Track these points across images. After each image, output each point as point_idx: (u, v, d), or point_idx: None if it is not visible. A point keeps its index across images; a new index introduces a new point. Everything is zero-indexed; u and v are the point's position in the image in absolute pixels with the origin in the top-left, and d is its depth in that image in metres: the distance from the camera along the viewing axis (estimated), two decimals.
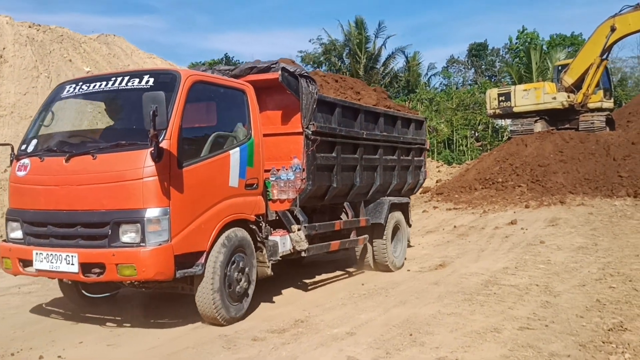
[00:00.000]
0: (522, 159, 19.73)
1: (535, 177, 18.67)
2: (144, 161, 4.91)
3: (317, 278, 8.29)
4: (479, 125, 33.12)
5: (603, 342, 5.09)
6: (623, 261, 9.07)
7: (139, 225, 4.90)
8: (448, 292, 7.12)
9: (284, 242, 6.41)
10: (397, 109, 9.69)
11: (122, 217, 4.97)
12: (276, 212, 6.50)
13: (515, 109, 22.28)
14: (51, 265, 5.15)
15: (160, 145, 4.93)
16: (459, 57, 58.38)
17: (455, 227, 14.08)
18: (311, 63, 42.65)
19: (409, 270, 8.74)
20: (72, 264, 5.03)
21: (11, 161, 5.73)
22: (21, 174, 5.51)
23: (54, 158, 5.38)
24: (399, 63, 43.23)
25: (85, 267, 5.05)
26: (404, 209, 9.33)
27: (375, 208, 8.39)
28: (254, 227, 6.06)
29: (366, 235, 8.18)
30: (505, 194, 18.08)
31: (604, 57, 21.39)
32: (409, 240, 9.68)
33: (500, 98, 22.60)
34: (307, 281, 8.03)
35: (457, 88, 46.88)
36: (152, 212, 4.90)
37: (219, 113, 6.23)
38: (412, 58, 42.50)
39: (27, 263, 5.44)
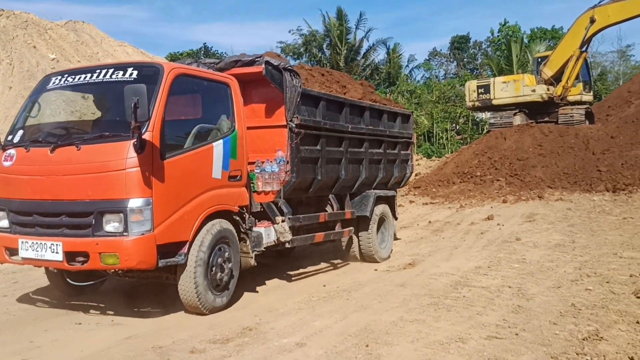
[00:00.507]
0: (501, 152, 19.34)
1: (513, 171, 18.29)
2: (126, 152, 4.98)
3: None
4: (459, 118, 32.77)
5: (577, 354, 4.61)
6: (600, 260, 8.64)
7: (121, 215, 4.99)
8: (414, 295, 6.61)
9: (269, 233, 6.49)
10: (383, 103, 9.73)
11: (105, 207, 5.06)
12: (261, 204, 6.54)
13: (494, 102, 21.87)
14: (36, 253, 5.26)
15: (143, 136, 4.99)
16: (441, 50, 58.11)
17: (430, 222, 13.61)
18: (291, 54, 41.99)
19: (376, 270, 8.22)
20: (57, 253, 5.15)
21: None
22: (7, 164, 5.58)
23: (39, 149, 5.45)
24: (380, 55, 42.85)
25: (69, 256, 5.16)
26: (390, 202, 9.37)
27: (361, 201, 8.47)
28: (237, 218, 6.11)
29: (351, 228, 8.25)
30: (483, 188, 17.66)
31: (584, 49, 21.05)
32: (395, 233, 9.74)
33: (480, 90, 22.16)
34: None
35: (439, 81, 46.48)
36: (134, 203, 4.99)
37: (203, 106, 6.28)
38: (393, 50, 42.00)
39: (13, 252, 5.54)
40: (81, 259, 5.16)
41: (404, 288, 6.99)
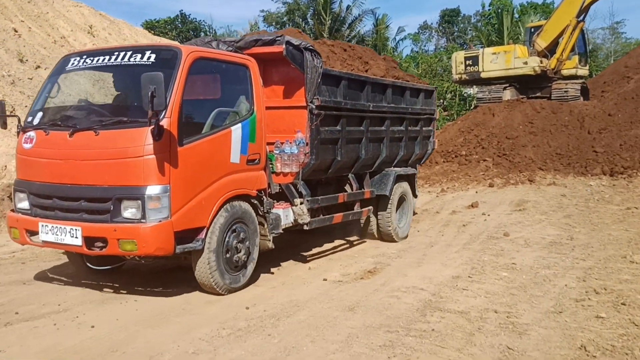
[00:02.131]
0: (488, 130, 17.46)
1: (502, 151, 16.46)
2: (144, 139, 4.90)
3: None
4: (446, 93, 30.76)
5: None
6: (608, 266, 6.84)
7: (139, 202, 4.93)
8: (365, 327, 4.75)
9: (287, 214, 6.38)
10: (405, 79, 9.82)
11: (123, 193, 5.00)
12: (279, 185, 6.40)
13: (482, 75, 19.89)
14: (56, 237, 5.24)
15: (161, 123, 4.89)
16: (431, 23, 55.85)
17: None
18: (273, 24, 39.65)
19: (325, 280, 6.34)
20: (76, 237, 5.12)
21: (18, 132, 5.73)
22: (27, 146, 5.52)
23: (58, 132, 5.36)
24: (366, 26, 40.57)
25: (88, 241, 5.12)
26: (411, 180, 9.08)
27: (381, 179, 8.23)
28: (255, 201, 5.96)
29: (370, 207, 8.05)
30: (468, 169, 15.81)
31: (581, 18, 19.08)
32: (414, 211, 9.39)
33: (467, 62, 20.16)
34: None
35: (427, 55, 44.31)
36: (152, 190, 4.93)
37: (221, 88, 6.06)
38: (380, 21, 39.75)
39: (33, 233, 5.50)
40: (100, 244, 5.11)
41: (353, 314, 5.11)
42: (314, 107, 6.37)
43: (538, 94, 19.81)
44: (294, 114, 6.55)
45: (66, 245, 5.28)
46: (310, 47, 6.44)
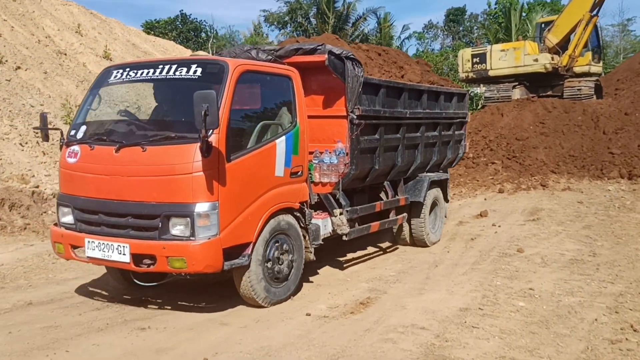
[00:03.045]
0: (497, 130, 16.35)
1: (511, 153, 15.36)
2: (193, 156, 4.81)
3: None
4: None
5: None
6: None
7: (188, 219, 4.84)
8: None
9: (325, 224, 6.27)
10: (440, 84, 9.88)
11: (172, 210, 4.91)
12: (318, 195, 6.28)
13: (491, 72, 18.77)
14: (103, 253, 5.13)
15: (209, 140, 4.78)
16: (437, 22, 54.73)
17: None
18: (275, 23, 38.70)
19: (308, 315, 5.31)
20: (124, 254, 5.01)
21: (61, 146, 5.67)
22: (71, 160, 5.43)
23: (104, 147, 5.26)
24: (370, 25, 39.45)
25: (136, 258, 5.00)
26: (443, 185, 8.91)
27: (415, 186, 8.11)
28: (298, 214, 5.86)
29: (405, 214, 7.89)
30: (476, 172, 14.73)
31: (594, 12, 17.98)
32: (446, 215, 9.24)
33: (475, 59, 19.05)
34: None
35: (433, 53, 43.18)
36: (201, 207, 4.84)
37: (265, 100, 5.93)
38: (384, 19, 38.70)
39: (78, 249, 5.40)
40: (148, 261, 5.01)
41: None
42: (354, 117, 6.23)
43: (549, 93, 18.71)
44: (333, 124, 6.39)
45: (113, 261, 5.16)
46: (352, 56, 6.28)
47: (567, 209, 10.58)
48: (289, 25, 37.94)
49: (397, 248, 8.24)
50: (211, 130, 4.77)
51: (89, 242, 5.22)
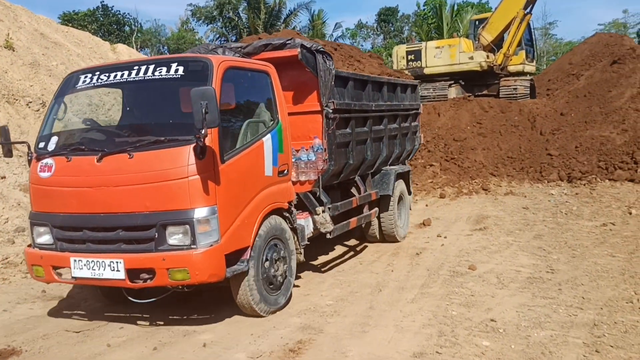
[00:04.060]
0: (434, 131, 15.63)
1: (449, 154, 14.68)
2: (187, 158, 4.54)
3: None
4: None
5: None
6: (617, 321, 5.04)
7: (187, 226, 4.54)
8: None
9: (307, 224, 6.07)
10: (396, 76, 9.68)
11: (168, 218, 4.58)
12: (297, 194, 5.97)
13: (426, 70, 18.11)
14: (93, 272, 4.73)
15: (201, 138, 4.50)
16: (367, 22, 54.40)
17: None
18: (203, 18, 36.95)
19: None
20: (118, 271, 4.64)
21: (29, 160, 5.19)
22: (45, 175, 4.98)
23: (82, 157, 4.86)
24: (302, 21, 38.39)
25: (132, 273, 4.65)
26: (406, 177, 8.90)
27: (382, 179, 8.04)
28: (287, 214, 5.64)
29: (376, 209, 7.82)
30: (414, 175, 13.80)
31: (528, 10, 17.66)
32: (410, 207, 9.14)
33: (409, 57, 18.34)
34: None
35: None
36: (200, 212, 4.56)
37: (246, 98, 5.67)
38: (317, 16, 37.75)
39: (61, 270, 5.03)
40: (145, 276, 4.64)
41: None
42: (330, 111, 6.06)
43: (485, 92, 18.28)
44: (307, 120, 6.19)
45: (105, 280, 4.74)
46: (322, 49, 6.12)
47: (513, 216, 9.83)
48: (217, 20, 36.21)
49: (332, 268, 7.27)
50: (205, 130, 4.42)
51: (75, 261, 4.80)
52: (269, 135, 5.44)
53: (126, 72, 5.07)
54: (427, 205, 11.19)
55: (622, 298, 5.70)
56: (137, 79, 4.99)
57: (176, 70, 4.86)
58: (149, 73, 4.94)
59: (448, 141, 15.20)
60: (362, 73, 8.50)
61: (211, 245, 4.59)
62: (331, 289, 6.21)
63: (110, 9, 36.82)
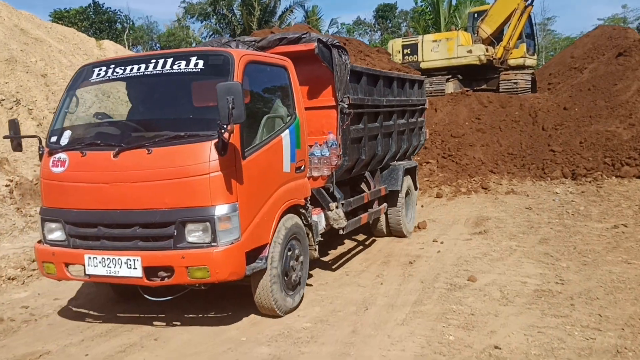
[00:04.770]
0: (430, 127, 14.71)
1: (447, 151, 13.86)
2: (208, 154, 4.38)
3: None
4: None
5: None
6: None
7: (208, 224, 4.39)
8: None
9: (320, 220, 5.89)
10: (404, 71, 9.47)
11: (188, 215, 4.42)
12: (311, 190, 5.75)
13: (422, 65, 17.23)
14: (108, 270, 4.55)
15: (225, 136, 4.32)
16: (365, 19, 53.61)
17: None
18: (197, 15, 36.11)
19: None
20: (135, 268, 4.47)
21: (40, 155, 5.01)
22: (58, 170, 4.79)
23: (98, 152, 4.67)
24: (297, 18, 37.51)
25: (149, 271, 4.49)
26: (413, 173, 8.72)
27: (390, 175, 7.89)
28: (303, 211, 5.50)
29: (385, 204, 7.70)
30: None
31: (529, 1, 16.78)
32: (415, 203, 8.96)
33: (405, 51, 17.48)
34: None
35: None
36: (221, 210, 4.40)
37: (265, 93, 5.56)
38: (312, 12, 36.89)
39: (73, 267, 4.87)
40: (163, 274, 4.47)
41: None
42: (345, 106, 5.91)
43: (484, 87, 17.45)
44: (322, 115, 6.07)
45: (121, 277, 4.58)
46: (337, 44, 5.98)
47: (516, 218, 9.00)
48: (211, 17, 35.35)
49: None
50: (232, 126, 4.26)
51: (90, 258, 4.62)
52: (287, 131, 5.28)
53: (143, 66, 4.89)
54: (422, 206, 10.34)
55: None
56: (154, 72, 4.81)
57: (196, 64, 4.69)
58: (167, 67, 4.77)
59: (445, 137, 14.38)
60: (375, 68, 8.20)
61: (232, 243, 4.43)
62: (310, 307, 5.38)
63: (101, 6, 35.92)
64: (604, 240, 7.52)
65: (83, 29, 32.28)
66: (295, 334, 4.68)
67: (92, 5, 35.47)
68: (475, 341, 4.41)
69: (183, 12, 38.01)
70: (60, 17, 33.57)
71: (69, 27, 26.38)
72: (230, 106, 4.11)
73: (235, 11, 35.26)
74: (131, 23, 37.94)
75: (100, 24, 35.03)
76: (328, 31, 39.64)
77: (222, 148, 4.35)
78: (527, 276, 6.14)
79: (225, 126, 4.20)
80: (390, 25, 54.07)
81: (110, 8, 36.87)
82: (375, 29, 55.24)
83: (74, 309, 5.65)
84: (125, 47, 32.23)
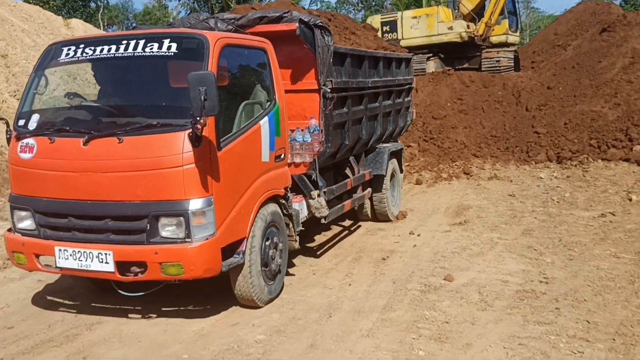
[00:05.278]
0: None
1: (428, 134, 13.27)
2: (182, 146, 4.14)
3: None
4: None
5: None
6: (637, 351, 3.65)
7: (181, 218, 4.19)
8: None
9: (302, 208, 5.69)
10: (391, 50, 9.03)
11: (161, 209, 4.23)
12: (292, 177, 5.54)
13: (402, 43, 16.48)
14: (79, 263, 4.38)
15: (199, 126, 4.07)
16: None
17: None
18: None
19: None
20: (107, 263, 4.30)
21: (8, 139, 4.75)
22: (26, 156, 4.57)
23: (67, 139, 4.42)
24: None
25: (122, 266, 4.33)
26: (399, 155, 8.51)
27: (375, 158, 7.61)
28: (282, 201, 5.29)
29: (369, 189, 7.48)
30: None
31: None
32: (401, 185, 8.78)
33: (385, 28, 16.77)
34: None
35: None
36: (195, 204, 4.20)
37: (242, 77, 5.33)
38: None
39: (44, 258, 4.67)
40: (136, 269, 4.31)
41: None
42: (328, 90, 5.67)
43: (465, 65, 16.86)
44: (303, 99, 5.85)
45: (93, 271, 4.36)
46: (320, 24, 5.70)
47: (498, 206, 8.48)
48: None
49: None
50: (204, 119, 4.08)
51: (60, 250, 4.43)
52: (266, 118, 5.02)
53: (114, 47, 4.60)
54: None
55: (637, 321, 4.41)
56: (125, 54, 4.52)
57: (169, 47, 4.42)
58: (139, 49, 4.49)
59: (427, 119, 13.77)
60: (360, 48, 7.63)
61: (207, 239, 4.25)
62: (268, 313, 4.81)
63: None
64: (591, 231, 7.03)
65: (55, 8, 31.10)
66: (245, 349, 4.11)
67: None
68: (448, 357, 3.88)
69: None
70: (44, 2, 32.27)
71: (40, 6, 25.27)
72: (202, 97, 3.89)
73: None
74: (105, 2, 36.63)
75: (74, 2, 33.74)
76: (312, 8, 38.63)
77: (196, 139, 4.11)
78: (508, 274, 5.63)
79: (197, 118, 3.98)
80: (374, 3, 53.14)
81: None
82: (359, 8, 54.29)
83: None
84: (100, 27, 31.17)
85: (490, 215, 7.98)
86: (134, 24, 37.34)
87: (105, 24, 33.42)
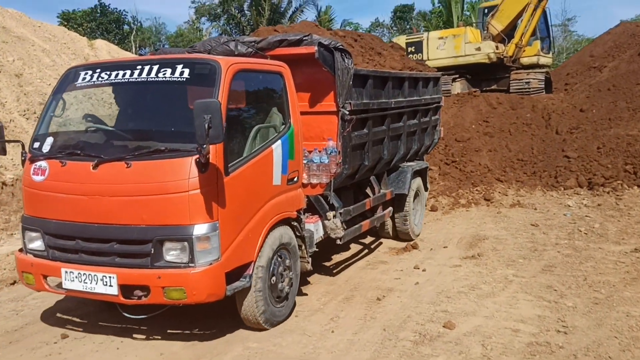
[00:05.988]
0: None
1: (450, 157, 12.43)
2: (188, 171, 4.14)
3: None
4: None
5: None
6: None
7: (185, 243, 4.17)
8: None
9: (317, 228, 5.65)
10: (418, 69, 8.51)
11: (166, 234, 4.21)
12: (307, 197, 5.55)
13: (428, 63, 15.74)
14: (85, 285, 4.39)
15: (206, 152, 4.06)
16: (383, 21, 52.39)
17: None
18: (207, 15, 35.18)
19: None
20: (111, 286, 4.30)
21: (23, 161, 4.86)
22: (38, 178, 4.65)
23: (78, 163, 4.49)
24: (308, 18, 36.28)
25: (125, 289, 4.32)
26: (423, 174, 8.34)
27: (398, 177, 7.50)
28: (295, 223, 5.19)
29: (391, 208, 7.34)
30: None
31: None
32: (425, 204, 8.54)
33: (410, 48, 16.03)
34: None
35: None
36: (200, 229, 4.17)
37: (257, 101, 5.19)
38: (324, 13, 35.62)
39: (52, 279, 4.70)
40: (139, 292, 4.30)
41: None
42: (346, 112, 5.55)
43: (493, 87, 15.94)
44: (322, 120, 5.70)
45: (97, 294, 4.36)
46: (341, 47, 5.61)
47: (518, 237, 7.59)
48: (221, 18, 34.37)
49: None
50: (207, 147, 3.97)
51: (66, 272, 4.44)
52: (278, 142, 4.93)
53: (128, 72, 4.63)
54: None
55: None
56: (139, 79, 4.55)
57: (181, 73, 4.42)
58: (153, 74, 4.51)
59: (449, 142, 12.95)
60: (383, 69, 7.37)
61: (210, 264, 4.20)
62: None
63: (107, 7, 35.04)
64: (622, 269, 6.11)
65: (89, 30, 31.51)
66: None
67: (99, 6, 34.64)
68: None
69: (194, 13, 37.11)
70: (67, 18, 32.89)
71: (74, 29, 25.51)
72: (207, 125, 3.81)
73: (246, 11, 34.20)
74: (139, 24, 37.05)
75: (108, 24, 34.20)
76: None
77: (203, 165, 4.08)
78: (520, 320, 4.79)
79: (203, 146, 3.92)
80: (408, 26, 52.63)
81: (116, 9, 35.92)
82: (393, 31, 53.84)
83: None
84: (132, 49, 31.39)
85: (507, 247, 7.10)
86: (166, 45, 37.63)
87: (137, 46, 33.70)
